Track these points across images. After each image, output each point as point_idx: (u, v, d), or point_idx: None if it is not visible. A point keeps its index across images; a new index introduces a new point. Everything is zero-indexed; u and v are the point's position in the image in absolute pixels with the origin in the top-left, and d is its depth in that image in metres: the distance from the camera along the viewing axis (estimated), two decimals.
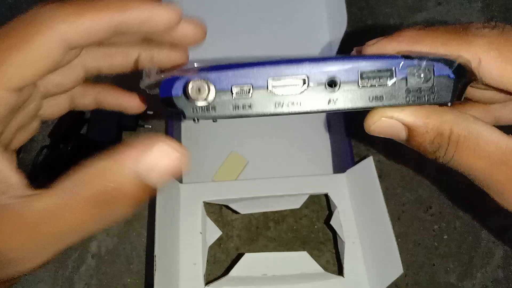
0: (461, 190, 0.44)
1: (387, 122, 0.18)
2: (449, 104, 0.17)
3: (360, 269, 0.38)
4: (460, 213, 0.43)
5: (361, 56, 0.17)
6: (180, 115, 0.17)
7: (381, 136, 0.19)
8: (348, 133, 0.44)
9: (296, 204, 0.41)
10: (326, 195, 0.42)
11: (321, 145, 0.46)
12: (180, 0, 0.49)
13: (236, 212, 0.42)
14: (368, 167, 0.39)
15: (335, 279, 0.38)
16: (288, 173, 0.42)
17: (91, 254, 0.41)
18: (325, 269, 0.39)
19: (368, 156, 0.39)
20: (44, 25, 0.16)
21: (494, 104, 0.22)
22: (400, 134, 0.18)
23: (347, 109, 0.17)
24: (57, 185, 0.16)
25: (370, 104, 0.17)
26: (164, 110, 0.20)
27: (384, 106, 0.17)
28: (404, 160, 0.45)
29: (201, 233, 0.39)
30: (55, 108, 0.21)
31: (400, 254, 0.34)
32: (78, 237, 0.16)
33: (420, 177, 0.45)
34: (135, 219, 0.43)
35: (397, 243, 0.35)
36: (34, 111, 0.20)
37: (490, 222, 0.43)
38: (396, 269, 0.34)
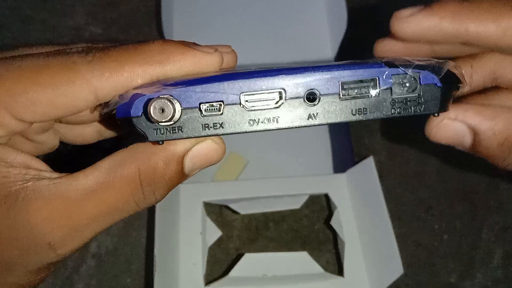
0: (461, 190, 0.44)
1: (449, 126, 0.17)
2: (436, 114, 0.16)
3: (360, 269, 0.38)
4: (460, 213, 0.43)
5: (341, 65, 0.15)
6: (141, 136, 0.16)
7: (444, 143, 0.17)
8: (349, 133, 0.44)
9: (296, 204, 0.41)
10: (326, 195, 0.42)
11: (321, 145, 0.46)
12: (181, 3, 0.49)
13: (236, 213, 0.42)
14: (368, 167, 0.39)
15: (335, 279, 0.38)
16: (288, 173, 0.42)
17: (91, 254, 0.41)
18: (325, 269, 0.39)
19: (368, 156, 0.39)
20: (81, 77, 0.15)
21: None
22: (465, 139, 0.17)
23: (329, 123, 0.16)
24: (98, 165, 0.16)
25: (353, 118, 0.16)
26: (121, 129, 0.18)
27: (367, 119, 0.16)
28: (404, 160, 0.45)
29: (201, 233, 0.39)
30: (80, 137, 0.21)
31: (400, 254, 0.34)
32: (114, 220, 0.16)
33: (420, 177, 0.45)
34: (135, 219, 0.43)
35: (397, 243, 0.35)
36: (49, 138, 0.19)
37: (490, 222, 0.43)
38: (396, 269, 0.34)
